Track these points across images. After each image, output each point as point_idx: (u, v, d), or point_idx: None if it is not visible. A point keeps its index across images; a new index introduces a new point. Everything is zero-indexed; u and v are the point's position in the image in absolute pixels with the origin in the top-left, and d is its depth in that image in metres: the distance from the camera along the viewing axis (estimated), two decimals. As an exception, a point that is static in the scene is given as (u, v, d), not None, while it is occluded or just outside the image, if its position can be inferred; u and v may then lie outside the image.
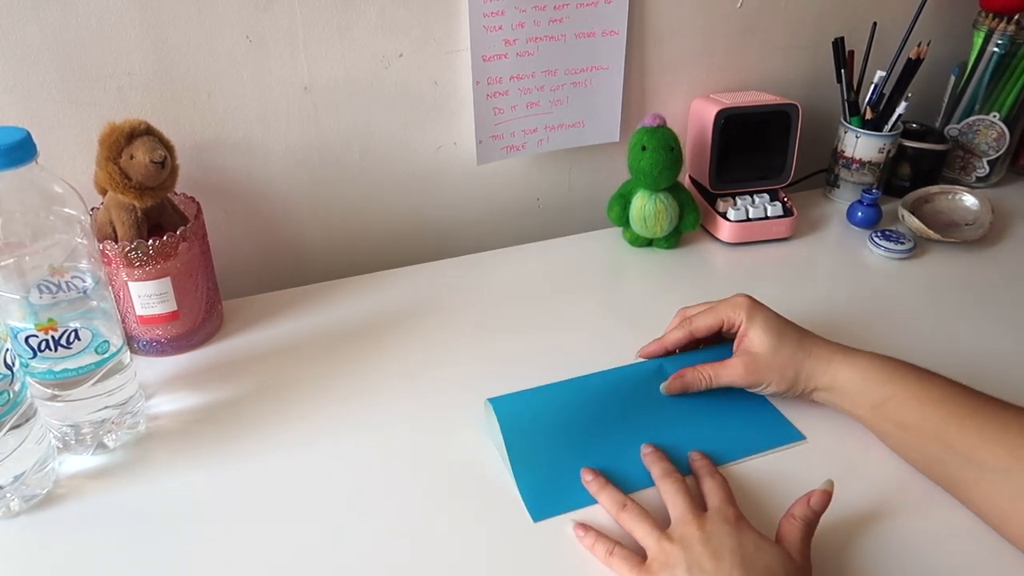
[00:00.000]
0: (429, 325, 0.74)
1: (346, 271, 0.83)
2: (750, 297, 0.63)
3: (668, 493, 0.53)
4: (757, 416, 0.63)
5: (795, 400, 0.62)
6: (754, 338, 0.61)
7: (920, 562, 0.51)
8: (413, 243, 0.89)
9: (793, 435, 0.61)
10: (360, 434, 0.61)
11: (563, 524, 0.53)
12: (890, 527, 0.53)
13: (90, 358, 0.56)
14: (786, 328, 0.61)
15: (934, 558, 0.51)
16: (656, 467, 0.56)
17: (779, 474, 0.57)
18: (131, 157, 0.62)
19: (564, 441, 0.59)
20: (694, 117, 0.90)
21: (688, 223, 0.85)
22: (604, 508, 0.54)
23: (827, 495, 0.50)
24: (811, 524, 0.50)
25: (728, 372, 0.61)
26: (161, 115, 0.72)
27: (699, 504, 0.52)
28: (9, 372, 0.50)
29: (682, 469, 0.56)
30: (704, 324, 0.64)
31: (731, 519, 0.50)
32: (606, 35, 0.84)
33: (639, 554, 0.50)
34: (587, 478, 0.56)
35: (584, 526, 0.53)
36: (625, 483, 0.55)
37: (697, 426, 0.61)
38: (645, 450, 0.58)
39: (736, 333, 0.63)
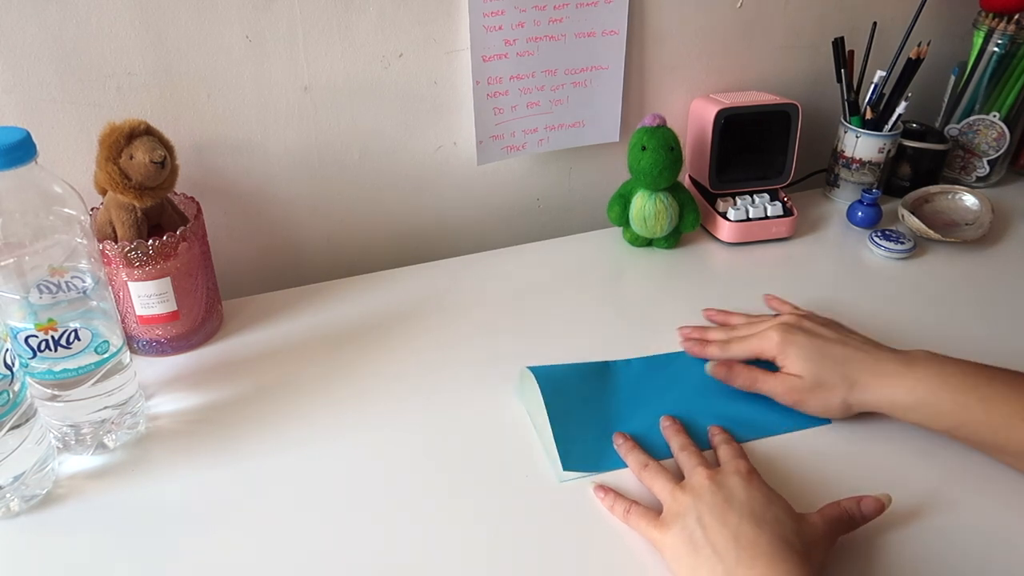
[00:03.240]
0: (429, 325, 0.74)
1: (346, 271, 0.83)
2: (784, 328, 0.62)
3: (685, 462, 0.55)
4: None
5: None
6: (792, 370, 0.60)
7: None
8: (413, 243, 0.89)
9: (818, 418, 0.61)
10: (360, 434, 0.61)
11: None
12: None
13: (90, 358, 0.56)
14: (825, 357, 0.59)
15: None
16: (675, 440, 0.58)
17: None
18: (131, 157, 0.62)
19: (597, 410, 0.62)
20: (694, 117, 0.90)
21: (688, 223, 0.85)
22: (629, 467, 0.56)
23: (880, 504, 0.51)
24: (852, 517, 0.50)
25: (769, 386, 0.61)
26: (161, 115, 0.72)
27: (714, 466, 0.54)
28: (9, 372, 0.50)
29: (702, 446, 0.58)
30: (740, 356, 0.63)
31: (742, 471, 0.51)
32: (606, 35, 0.84)
33: (656, 510, 0.52)
34: (618, 441, 0.59)
35: (604, 488, 0.54)
36: (652, 453, 0.58)
37: (724, 405, 0.63)
38: (664, 422, 0.60)
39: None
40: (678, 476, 0.54)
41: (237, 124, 0.76)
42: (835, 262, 0.85)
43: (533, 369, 0.63)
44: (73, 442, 0.58)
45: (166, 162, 0.63)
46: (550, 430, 0.59)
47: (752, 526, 0.46)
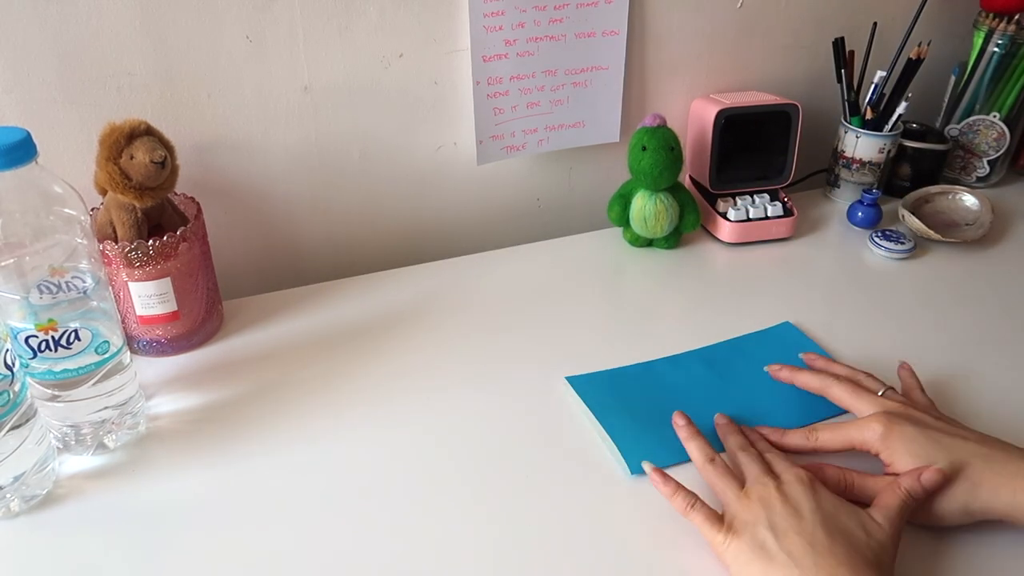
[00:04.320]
0: (429, 325, 0.74)
1: (346, 271, 0.83)
2: (886, 418, 0.53)
3: (744, 462, 0.54)
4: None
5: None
6: (897, 468, 0.52)
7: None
8: (413, 243, 0.89)
9: None
10: (360, 434, 0.61)
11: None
12: None
13: (90, 358, 0.56)
14: (938, 452, 0.51)
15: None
16: (733, 439, 0.57)
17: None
18: (131, 157, 0.62)
19: (645, 410, 0.62)
20: (694, 117, 0.90)
21: (688, 223, 0.85)
22: (691, 457, 0.55)
23: (942, 475, 0.49)
24: (916, 498, 0.49)
25: (870, 488, 0.52)
26: (161, 115, 0.72)
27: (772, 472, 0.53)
28: (9, 372, 0.50)
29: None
30: (831, 446, 0.56)
31: (804, 480, 0.50)
32: (606, 35, 0.84)
33: (716, 510, 0.51)
34: (679, 422, 0.57)
35: (662, 473, 0.53)
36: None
37: (772, 395, 0.63)
38: (719, 420, 0.59)
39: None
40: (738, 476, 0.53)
41: (237, 124, 0.76)
42: (835, 262, 0.85)
43: (570, 379, 0.65)
44: (73, 442, 0.58)
45: (166, 162, 0.63)
46: (607, 435, 0.59)
47: (826, 535, 0.46)
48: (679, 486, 0.52)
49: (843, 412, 0.60)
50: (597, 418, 0.61)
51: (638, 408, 0.62)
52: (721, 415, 0.60)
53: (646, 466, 0.55)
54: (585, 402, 0.62)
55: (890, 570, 0.46)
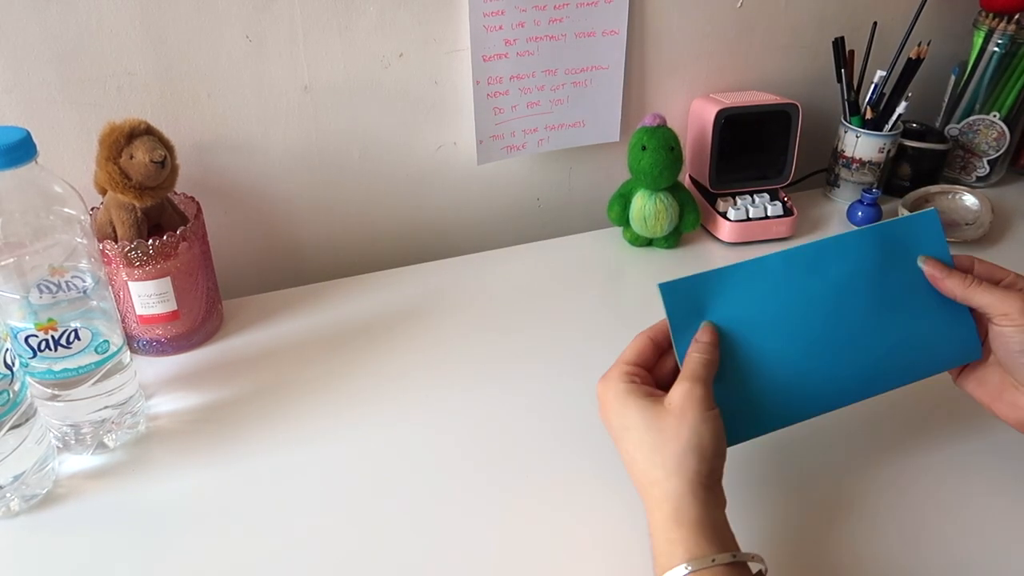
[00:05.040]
0: (429, 325, 0.74)
1: (346, 271, 0.83)
2: None
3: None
4: (952, 325, 0.54)
5: None
6: None
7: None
8: (413, 243, 0.89)
9: (973, 352, 0.54)
10: (360, 433, 0.61)
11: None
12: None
13: (90, 358, 0.56)
14: None
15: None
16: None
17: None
18: (131, 157, 0.62)
19: (745, 353, 0.51)
20: (694, 117, 0.90)
21: (688, 223, 0.85)
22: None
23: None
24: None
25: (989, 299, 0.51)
26: (161, 115, 0.72)
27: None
28: (9, 372, 0.50)
29: (878, 388, 0.52)
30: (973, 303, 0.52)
31: None
32: (606, 35, 0.84)
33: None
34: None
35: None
36: (805, 406, 0.51)
37: (887, 332, 0.52)
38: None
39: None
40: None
41: (237, 124, 0.76)
42: (835, 262, 0.85)
43: (662, 286, 0.50)
44: (73, 442, 0.58)
45: (166, 162, 0.63)
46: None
47: None
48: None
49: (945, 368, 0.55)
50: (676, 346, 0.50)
51: (736, 348, 0.50)
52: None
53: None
54: (674, 339, 0.50)
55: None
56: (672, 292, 0.50)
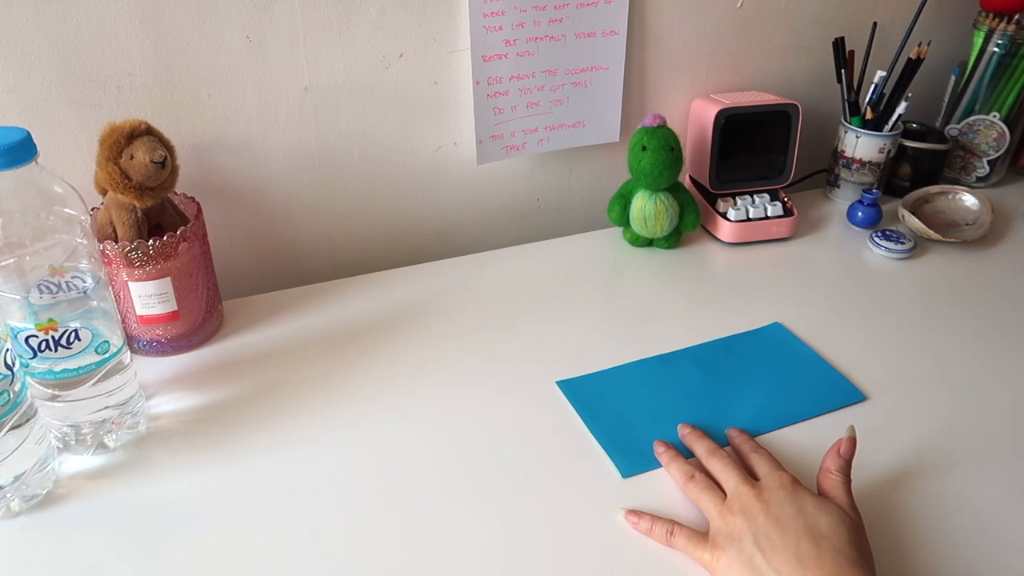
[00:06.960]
0: (429, 325, 0.74)
1: (346, 271, 0.83)
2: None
3: (718, 468, 0.54)
4: (817, 377, 0.65)
5: None
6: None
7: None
8: (413, 243, 0.89)
9: (854, 395, 0.63)
10: (360, 434, 0.61)
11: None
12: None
13: (90, 358, 0.56)
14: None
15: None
16: (699, 446, 0.57)
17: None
18: (131, 157, 0.62)
19: (634, 411, 0.63)
20: (694, 117, 0.90)
21: (688, 223, 0.85)
22: (674, 479, 0.55)
23: (853, 441, 0.52)
24: (847, 474, 0.51)
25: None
26: (161, 115, 0.72)
27: (750, 475, 0.53)
28: (9, 372, 0.50)
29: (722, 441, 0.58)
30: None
31: (786, 484, 0.50)
32: (606, 35, 0.84)
33: (698, 527, 0.51)
34: (659, 450, 0.58)
35: (636, 512, 0.53)
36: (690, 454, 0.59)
37: (757, 393, 0.64)
38: (683, 431, 0.59)
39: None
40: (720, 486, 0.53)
41: (237, 124, 0.76)
42: (835, 262, 0.85)
43: (561, 384, 0.65)
44: (73, 442, 0.58)
45: (166, 162, 0.63)
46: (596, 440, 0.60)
47: (811, 544, 0.46)
48: (654, 519, 0.52)
49: (827, 411, 0.62)
50: (587, 424, 0.61)
51: (627, 410, 0.63)
52: (684, 425, 0.60)
53: (620, 512, 0.54)
54: (575, 407, 0.63)
55: (870, 556, 0.47)
56: (569, 387, 0.65)
